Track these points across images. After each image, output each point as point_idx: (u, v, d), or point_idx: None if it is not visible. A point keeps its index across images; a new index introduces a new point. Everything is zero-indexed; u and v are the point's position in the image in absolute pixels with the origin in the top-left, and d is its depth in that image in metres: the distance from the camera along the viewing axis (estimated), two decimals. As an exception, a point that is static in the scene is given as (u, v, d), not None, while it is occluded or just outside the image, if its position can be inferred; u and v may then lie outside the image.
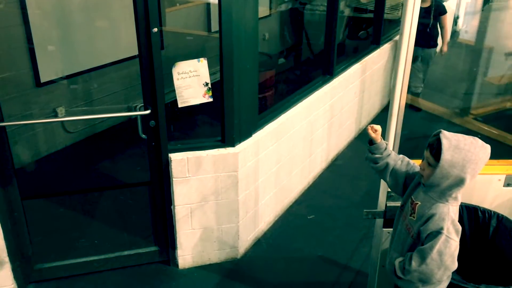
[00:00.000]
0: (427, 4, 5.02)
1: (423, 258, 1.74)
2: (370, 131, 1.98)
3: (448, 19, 5.36)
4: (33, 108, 3.99)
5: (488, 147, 1.73)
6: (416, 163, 2.00)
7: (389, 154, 2.00)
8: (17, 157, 3.83)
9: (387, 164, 1.98)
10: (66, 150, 4.37)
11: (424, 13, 4.98)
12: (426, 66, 5.24)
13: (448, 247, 1.71)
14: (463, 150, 1.68)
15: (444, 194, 1.75)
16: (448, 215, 1.74)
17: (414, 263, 1.76)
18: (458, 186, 1.72)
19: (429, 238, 1.75)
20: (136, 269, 3.01)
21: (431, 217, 1.75)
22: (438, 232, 1.73)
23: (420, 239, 1.79)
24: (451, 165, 1.68)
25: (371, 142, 2.01)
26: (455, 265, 1.75)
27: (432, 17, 5.00)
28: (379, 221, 2.38)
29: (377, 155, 1.99)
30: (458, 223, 1.77)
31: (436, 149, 1.71)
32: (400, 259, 1.85)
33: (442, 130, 1.74)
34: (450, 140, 1.70)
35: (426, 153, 1.78)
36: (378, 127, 1.98)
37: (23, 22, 3.76)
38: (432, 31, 5.14)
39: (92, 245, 3.13)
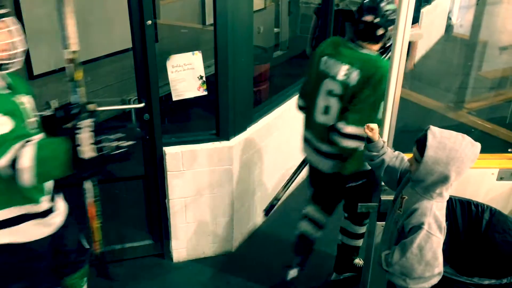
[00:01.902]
0: None
1: (403, 251, 1.75)
2: (366, 131, 1.99)
3: (419, 29, 4.62)
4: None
5: (477, 146, 1.70)
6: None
7: (386, 152, 2.01)
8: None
9: (382, 161, 2.00)
10: (59, 143, 4.34)
11: None
12: None
13: (429, 242, 1.71)
14: (448, 147, 1.67)
15: (428, 190, 1.75)
16: (430, 210, 1.74)
17: (395, 256, 1.77)
18: (442, 183, 1.71)
19: (411, 232, 1.76)
20: (130, 262, 3.01)
21: (413, 211, 1.76)
22: (419, 227, 1.73)
23: (405, 233, 1.80)
24: (434, 162, 1.68)
25: (369, 140, 2.02)
26: (437, 262, 1.74)
27: None
28: (373, 215, 2.39)
29: (374, 153, 2.00)
30: (442, 220, 1.76)
31: (422, 145, 1.71)
32: (387, 252, 1.86)
33: (431, 126, 1.74)
34: (436, 136, 1.69)
35: (414, 149, 1.79)
36: (374, 126, 1.99)
37: (15, 13, 3.72)
38: None
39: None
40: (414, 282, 1.77)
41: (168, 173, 2.78)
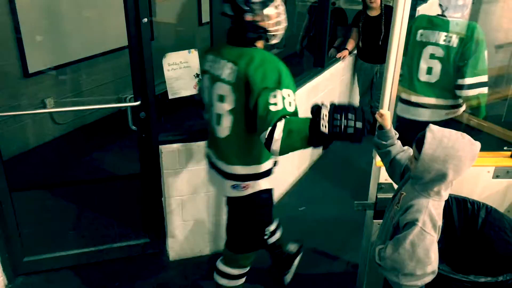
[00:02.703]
0: (375, 13, 4.31)
1: (396, 247, 1.75)
2: (377, 116, 2.00)
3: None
4: (21, 99, 3.94)
5: (476, 145, 1.70)
6: None
7: (394, 144, 2.00)
8: (5, 149, 3.78)
9: (389, 153, 1.99)
10: (55, 141, 4.32)
11: (373, 23, 4.32)
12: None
13: (422, 240, 1.72)
14: (446, 145, 1.67)
15: (426, 187, 1.76)
16: (426, 208, 1.74)
17: (388, 251, 1.78)
18: (440, 181, 1.72)
19: (405, 228, 1.76)
20: (127, 260, 3.00)
21: (409, 207, 1.77)
22: (413, 223, 1.73)
23: (399, 228, 1.81)
24: (432, 159, 1.68)
25: (380, 127, 2.02)
26: (430, 260, 1.74)
27: (383, 27, 4.23)
28: (369, 213, 2.40)
29: (382, 142, 2.00)
30: (438, 219, 1.76)
31: (420, 143, 1.72)
32: (381, 246, 1.87)
33: (431, 125, 1.74)
34: (434, 134, 1.70)
35: (413, 146, 1.79)
36: (385, 112, 1.98)
37: (10, 11, 3.70)
38: (385, 44, 4.11)
39: (82, 237, 3.11)
40: (406, 279, 1.77)
41: (164, 171, 2.78)
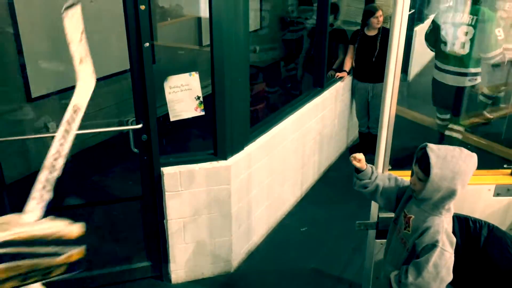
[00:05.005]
0: (373, 33, 4.37)
1: (419, 271, 1.74)
2: (354, 162, 2.00)
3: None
4: (24, 123, 3.97)
5: (474, 156, 1.75)
6: (403, 178, 2.03)
7: (377, 176, 2.02)
8: (8, 173, 3.79)
9: (377, 186, 2.01)
10: (57, 165, 4.33)
11: (369, 42, 4.38)
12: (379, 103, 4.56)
13: (443, 259, 1.72)
14: (450, 162, 1.69)
15: (437, 206, 1.76)
16: (442, 227, 1.75)
17: (410, 277, 1.76)
18: (450, 198, 1.73)
19: (424, 251, 1.76)
20: (128, 285, 2.98)
21: (426, 230, 1.77)
22: (433, 245, 1.74)
23: (416, 252, 1.80)
24: (441, 178, 1.69)
25: (357, 170, 2.03)
26: (450, 277, 1.76)
27: (378, 44, 4.29)
28: (371, 233, 2.39)
29: (365, 181, 2.01)
30: (452, 235, 1.78)
31: (424, 164, 1.73)
32: (396, 272, 1.86)
33: (428, 144, 1.76)
34: (437, 153, 1.72)
35: (415, 168, 1.80)
36: (360, 156, 2.00)
37: (13, 36, 3.76)
38: (379, 63, 4.01)
39: (84, 261, 3.09)
40: None
41: (166, 193, 2.78)
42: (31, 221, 1.44)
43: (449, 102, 4.29)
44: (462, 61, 3.91)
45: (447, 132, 4.36)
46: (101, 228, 3.45)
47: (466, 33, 3.81)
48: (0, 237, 1.31)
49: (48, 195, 1.44)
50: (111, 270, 2.97)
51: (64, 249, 1.44)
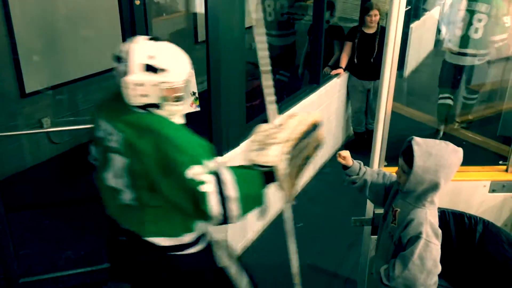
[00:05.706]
0: (371, 31, 4.39)
1: (405, 264, 1.75)
2: (339, 159, 2.03)
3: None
4: (17, 119, 3.94)
5: (459, 151, 1.76)
6: (392, 173, 2.04)
7: (365, 171, 2.03)
8: (2, 169, 3.77)
9: (365, 181, 2.03)
10: (51, 161, 4.31)
11: (368, 40, 4.39)
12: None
13: (428, 251, 1.73)
14: (435, 155, 1.71)
15: (420, 199, 1.78)
16: (426, 219, 1.76)
17: (397, 270, 1.77)
18: (433, 191, 1.75)
19: (409, 243, 1.77)
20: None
21: (409, 222, 1.78)
22: (417, 237, 1.75)
23: (402, 245, 1.81)
24: (424, 171, 1.71)
25: (345, 167, 2.05)
26: (438, 269, 1.76)
27: (376, 46, 4.32)
28: (367, 229, 2.40)
29: (353, 177, 2.03)
30: (437, 227, 1.78)
31: (408, 156, 1.74)
32: (385, 266, 1.86)
33: (414, 137, 1.78)
34: (421, 146, 1.73)
35: (400, 161, 1.81)
36: (346, 153, 2.03)
37: (7, 32, 3.73)
38: (377, 61, 4.10)
39: (79, 257, 3.09)
40: None
41: (161, 189, 2.77)
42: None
43: (454, 81, 4.79)
44: (474, 43, 4.36)
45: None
46: (97, 225, 3.43)
47: (480, 20, 4.23)
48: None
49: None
50: (107, 266, 2.96)
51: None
